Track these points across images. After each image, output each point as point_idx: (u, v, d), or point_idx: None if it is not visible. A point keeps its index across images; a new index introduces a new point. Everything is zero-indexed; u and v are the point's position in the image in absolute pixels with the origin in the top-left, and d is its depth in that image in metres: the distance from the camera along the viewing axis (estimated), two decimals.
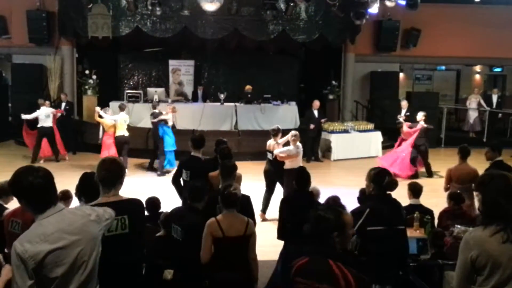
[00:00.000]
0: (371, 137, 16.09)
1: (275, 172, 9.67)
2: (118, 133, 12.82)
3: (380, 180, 4.89)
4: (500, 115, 19.35)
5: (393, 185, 4.96)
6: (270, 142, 9.80)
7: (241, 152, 13.91)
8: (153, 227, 6.00)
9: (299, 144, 9.48)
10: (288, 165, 9.41)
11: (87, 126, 15.95)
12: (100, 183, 3.81)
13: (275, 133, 9.77)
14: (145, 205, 5.81)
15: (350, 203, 7.00)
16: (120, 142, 12.79)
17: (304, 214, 3.63)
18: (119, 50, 18.60)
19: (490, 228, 3.20)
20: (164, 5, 14.87)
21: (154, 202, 6.75)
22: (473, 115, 19.29)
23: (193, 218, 5.08)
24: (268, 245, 5.80)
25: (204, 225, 4.84)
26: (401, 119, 13.71)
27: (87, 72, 17.00)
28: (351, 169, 13.66)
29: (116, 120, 12.88)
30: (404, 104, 15.53)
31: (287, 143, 9.63)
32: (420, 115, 13.08)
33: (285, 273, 5.11)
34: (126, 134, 12.96)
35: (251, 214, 5.51)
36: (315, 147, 15.27)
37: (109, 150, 12.53)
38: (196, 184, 5.39)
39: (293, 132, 9.60)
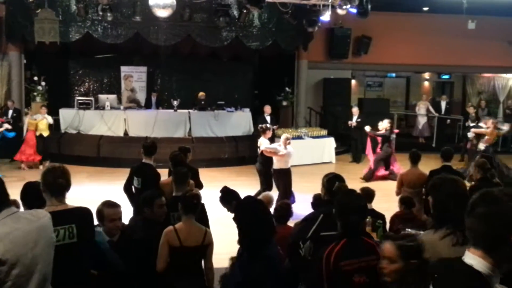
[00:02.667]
0: (324, 143, 16.26)
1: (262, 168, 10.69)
2: (39, 133, 14.22)
3: (331, 186, 4.97)
4: (448, 121, 19.87)
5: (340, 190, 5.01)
6: (260, 140, 10.68)
7: (195, 159, 13.77)
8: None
9: (289, 147, 10.26)
10: (276, 165, 10.19)
11: None
12: (49, 192, 3.71)
13: (263, 130, 10.70)
14: (96, 214, 5.70)
15: (304, 209, 7.04)
16: (39, 142, 14.20)
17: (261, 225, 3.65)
18: (69, 56, 18.22)
19: (440, 231, 3.27)
20: (115, 10, 14.64)
21: None
22: (422, 121, 19.80)
23: (149, 231, 5.00)
24: (223, 252, 5.74)
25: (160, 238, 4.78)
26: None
27: (35, 78, 16.57)
28: (305, 175, 13.73)
29: (36, 119, 14.27)
30: (355, 110, 15.87)
31: None
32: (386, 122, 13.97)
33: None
34: (46, 134, 14.34)
35: (205, 221, 5.45)
36: None
37: (29, 147, 14.05)
38: (152, 195, 5.32)
39: (285, 135, 10.49)
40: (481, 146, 13.59)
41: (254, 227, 3.72)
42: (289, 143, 10.28)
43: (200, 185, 7.53)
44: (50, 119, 14.63)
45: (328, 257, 3.41)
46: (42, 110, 14.57)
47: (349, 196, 3.80)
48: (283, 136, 10.42)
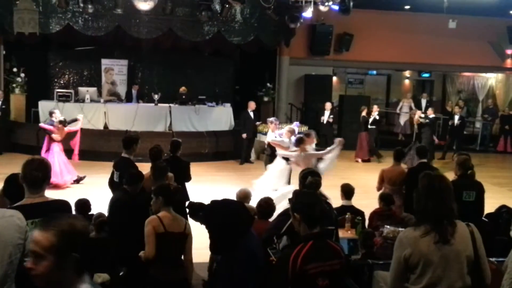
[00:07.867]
0: None
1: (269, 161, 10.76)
2: None
3: (304, 180, 5.01)
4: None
5: (313, 185, 5.05)
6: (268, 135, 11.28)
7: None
8: None
9: (294, 139, 10.23)
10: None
11: (14, 126, 15.37)
12: (26, 184, 3.65)
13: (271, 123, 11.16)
14: (75, 207, 5.68)
15: (283, 205, 7.03)
16: None
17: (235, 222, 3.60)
18: (49, 48, 17.95)
19: (421, 229, 3.30)
20: (97, 2, 14.50)
21: (84, 204, 6.57)
22: (404, 118, 20.00)
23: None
24: (203, 247, 5.74)
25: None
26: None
27: (15, 70, 16.33)
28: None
29: None
30: (328, 105, 15.93)
31: None
32: None
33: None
34: None
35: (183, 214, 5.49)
36: (249, 149, 15.32)
37: None
38: (132, 171, 5.66)
39: (289, 127, 10.56)
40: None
41: (223, 227, 3.64)
42: (294, 136, 10.21)
43: (188, 178, 7.65)
44: None
45: (295, 259, 3.34)
46: None
47: (309, 196, 3.75)
48: (286, 128, 10.48)
